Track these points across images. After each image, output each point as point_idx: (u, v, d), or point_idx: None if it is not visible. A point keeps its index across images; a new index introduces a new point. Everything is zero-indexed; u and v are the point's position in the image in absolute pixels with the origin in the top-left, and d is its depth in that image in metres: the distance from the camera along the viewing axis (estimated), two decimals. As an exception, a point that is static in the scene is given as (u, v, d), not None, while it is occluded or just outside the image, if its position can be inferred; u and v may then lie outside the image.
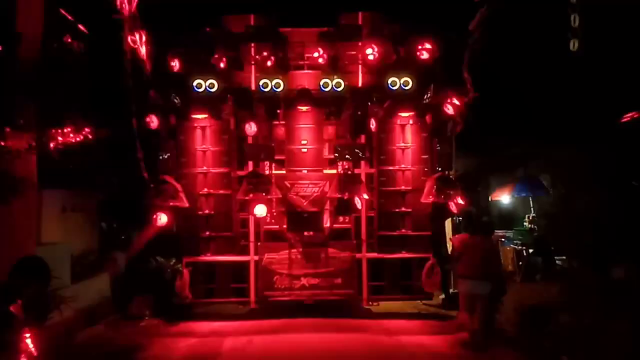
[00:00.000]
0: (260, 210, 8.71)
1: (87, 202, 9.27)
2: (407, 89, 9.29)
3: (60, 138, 6.37)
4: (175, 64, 9.12)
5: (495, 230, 14.84)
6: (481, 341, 7.20)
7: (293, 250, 9.33)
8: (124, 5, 7.90)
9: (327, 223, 9.46)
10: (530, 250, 11.82)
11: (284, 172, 9.59)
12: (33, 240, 6.00)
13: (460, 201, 8.80)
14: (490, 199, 17.91)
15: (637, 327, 5.81)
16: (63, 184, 8.23)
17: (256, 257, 9.40)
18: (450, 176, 9.22)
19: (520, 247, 12.01)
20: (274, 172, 9.57)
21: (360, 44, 9.56)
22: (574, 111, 12.70)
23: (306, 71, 9.93)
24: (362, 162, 9.55)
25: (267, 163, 9.34)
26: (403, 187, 9.42)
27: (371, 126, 9.25)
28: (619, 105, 9.35)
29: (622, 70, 8.99)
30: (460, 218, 9.77)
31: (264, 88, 9.31)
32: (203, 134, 9.46)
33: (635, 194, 9.73)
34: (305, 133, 9.58)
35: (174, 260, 9.21)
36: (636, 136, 9.29)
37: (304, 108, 9.56)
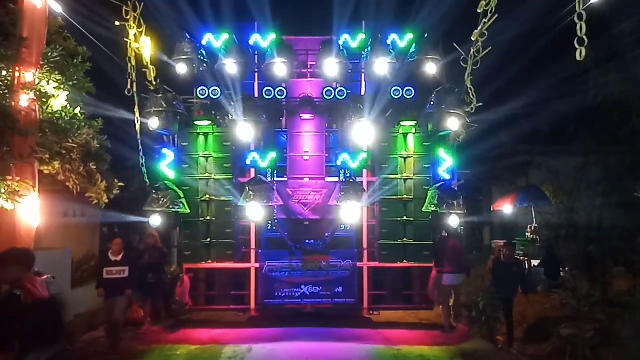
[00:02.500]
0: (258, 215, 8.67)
1: (89, 207, 9.27)
2: (410, 98, 9.33)
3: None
4: (180, 70, 9.17)
5: (497, 240, 14.88)
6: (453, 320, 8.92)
7: (294, 258, 9.31)
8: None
9: (328, 231, 9.44)
10: (533, 262, 11.76)
11: (285, 179, 9.59)
12: (31, 246, 5.97)
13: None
14: (492, 209, 17.87)
15: (638, 339, 5.76)
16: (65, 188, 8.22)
17: (257, 265, 9.37)
18: (452, 186, 9.20)
19: (522, 258, 11.93)
20: (275, 179, 9.58)
21: (363, 53, 9.64)
22: (577, 121, 12.71)
23: (309, 79, 9.97)
24: (365, 170, 9.56)
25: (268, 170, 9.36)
26: (405, 196, 9.40)
27: (373, 135, 9.26)
28: (622, 115, 9.34)
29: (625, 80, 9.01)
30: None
31: (267, 95, 9.36)
32: (206, 140, 9.48)
33: (638, 205, 9.70)
34: (308, 141, 9.59)
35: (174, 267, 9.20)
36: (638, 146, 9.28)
37: (307, 116, 9.58)
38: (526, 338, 7.80)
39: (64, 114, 6.61)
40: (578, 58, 5.04)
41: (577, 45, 5.02)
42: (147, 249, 9.11)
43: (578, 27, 5.02)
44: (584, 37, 4.99)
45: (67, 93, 6.72)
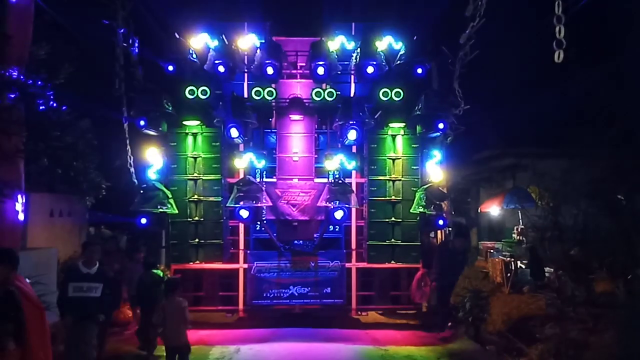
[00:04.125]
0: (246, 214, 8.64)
1: (75, 207, 9.17)
2: (399, 100, 9.38)
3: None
4: (169, 69, 9.12)
5: (484, 242, 15.03)
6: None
7: (282, 259, 9.31)
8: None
9: (317, 232, 9.46)
10: (519, 263, 11.88)
11: (274, 180, 9.58)
12: (18, 246, 5.91)
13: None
14: (479, 211, 18.02)
15: (622, 340, 5.86)
16: (52, 187, 8.13)
17: (245, 265, 9.36)
18: (440, 188, 9.27)
19: (508, 259, 12.05)
20: (264, 180, 9.57)
21: (353, 55, 9.67)
22: (563, 123, 12.86)
23: (299, 80, 9.98)
24: (353, 172, 9.60)
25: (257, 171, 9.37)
26: (393, 197, 9.45)
27: (362, 136, 9.29)
28: (608, 117, 9.49)
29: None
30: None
31: (257, 96, 9.35)
32: (194, 140, 9.44)
33: (621, 208, 9.85)
34: (297, 142, 9.60)
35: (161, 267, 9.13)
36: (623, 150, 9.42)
37: (296, 117, 9.59)
38: (511, 338, 7.87)
39: (50, 113, 6.55)
40: (556, 60, 5.13)
41: (555, 47, 5.11)
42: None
43: (557, 29, 5.10)
44: (563, 39, 5.07)
45: (53, 92, 6.66)
